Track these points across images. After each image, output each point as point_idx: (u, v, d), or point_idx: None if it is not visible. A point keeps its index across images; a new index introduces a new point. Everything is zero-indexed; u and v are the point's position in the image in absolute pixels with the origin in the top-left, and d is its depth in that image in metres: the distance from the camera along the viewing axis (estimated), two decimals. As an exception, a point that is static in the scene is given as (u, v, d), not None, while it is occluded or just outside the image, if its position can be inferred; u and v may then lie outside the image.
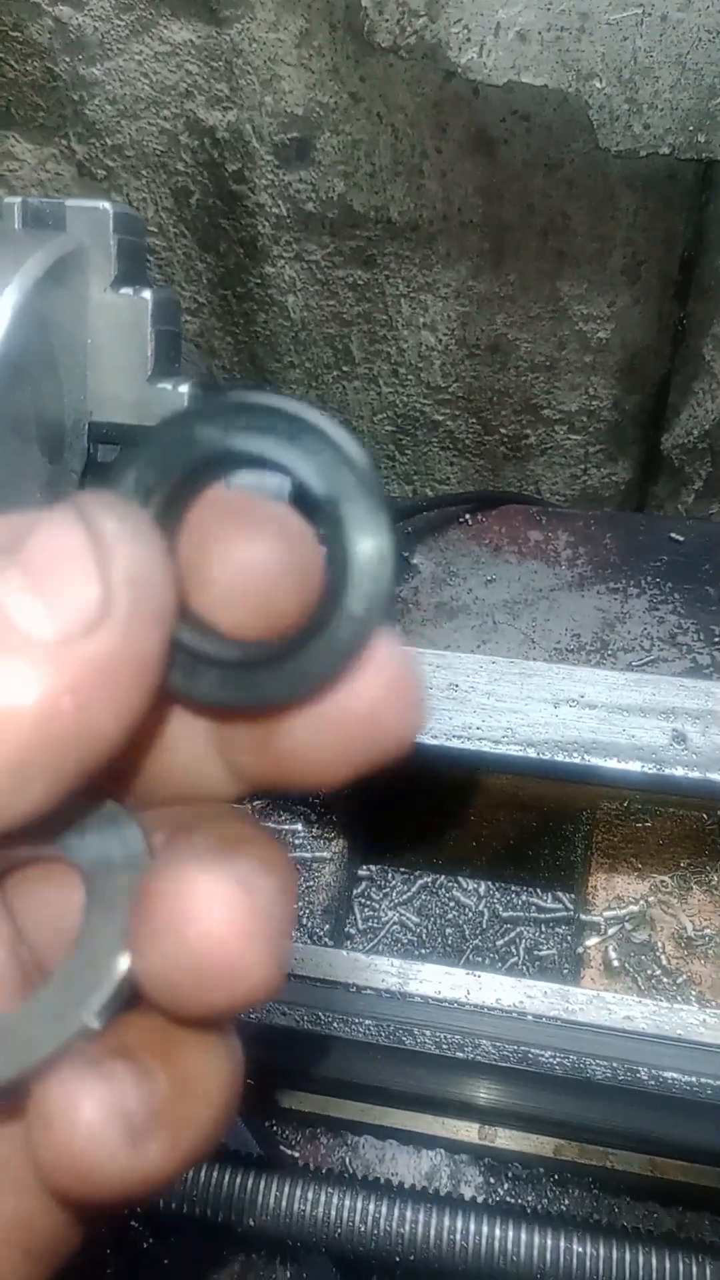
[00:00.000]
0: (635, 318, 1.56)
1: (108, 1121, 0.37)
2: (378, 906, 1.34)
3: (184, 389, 0.92)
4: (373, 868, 1.35)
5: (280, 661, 0.38)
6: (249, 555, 0.39)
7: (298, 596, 0.39)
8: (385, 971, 0.95)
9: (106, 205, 0.94)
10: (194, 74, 1.43)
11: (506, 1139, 1.02)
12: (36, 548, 0.36)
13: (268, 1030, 0.95)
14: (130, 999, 0.39)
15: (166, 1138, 0.38)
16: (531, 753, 1.02)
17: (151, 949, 0.38)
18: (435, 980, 0.94)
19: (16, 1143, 0.40)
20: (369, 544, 0.38)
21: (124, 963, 0.39)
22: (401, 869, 1.34)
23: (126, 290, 0.96)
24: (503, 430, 1.78)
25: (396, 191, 1.48)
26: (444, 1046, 0.91)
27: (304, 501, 0.38)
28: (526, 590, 1.49)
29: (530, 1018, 0.91)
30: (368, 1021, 0.92)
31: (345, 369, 1.76)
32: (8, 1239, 0.41)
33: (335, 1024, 0.92)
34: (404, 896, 1.34)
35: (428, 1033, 0.91)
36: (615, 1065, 0.88)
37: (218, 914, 0.36)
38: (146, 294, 0.96)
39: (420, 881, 1.34)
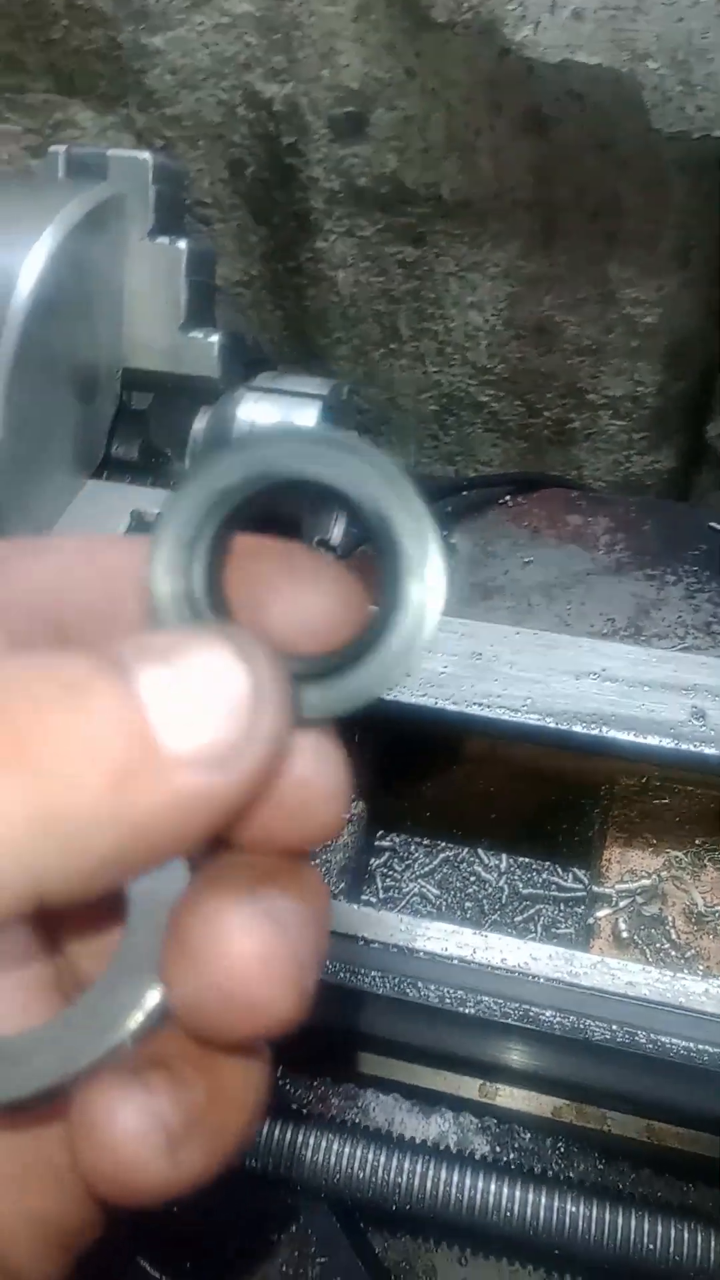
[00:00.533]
0: (684, 303, 1.56)
1: (148, 1130, 0.38)
2: (399, 878, 1.35)
3: (214, 339, 0.94)
4: (396, 839, 1.36)
5: (331, 675, 0.41)
6: (305, 608, 0.42)
7: (344, 638, 0.42)
8: (395, 927, 0.97)
9: (147, 156, 0.96)
10: (253, 46, 1.45)
11: (507, 1097, 1.03)
12: (195, 667, 0.37)
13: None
14: (164, 1017, 0.41)
15: (203, 1143, 0.40)
16: (550, 722, 1.03)
17: (181, 980, 0.39)
18: (443, 938, 0.96)
19: (55, 1144, 0.41)
20: (422, 567, 0.39)
21: (158, 988, 0.41)
22: (424, 841, 1.36)
23: (163, 239, 0.98)
24: (547, 413, 1.78)
25: (449, 169, 1.49)
26: (447, 1001, 0.92)
27: (356, 514, 0.39)
28: (563, 573, 1.49)
29: (533, 979, 0.92)
30: (374, 973, 0.94)
31: (393, 346, 1.77)
32: (45, 1233, 0.42)
33: (342, 974, 0.94)
34: (425, 869, 1.35)
35: (432, 987, 0.93)
36: (615, 1027, 0.89)
37: (247, 950, 0.38)
38: (182, 243, 0.98)
39: (442, 855, 1.35)
